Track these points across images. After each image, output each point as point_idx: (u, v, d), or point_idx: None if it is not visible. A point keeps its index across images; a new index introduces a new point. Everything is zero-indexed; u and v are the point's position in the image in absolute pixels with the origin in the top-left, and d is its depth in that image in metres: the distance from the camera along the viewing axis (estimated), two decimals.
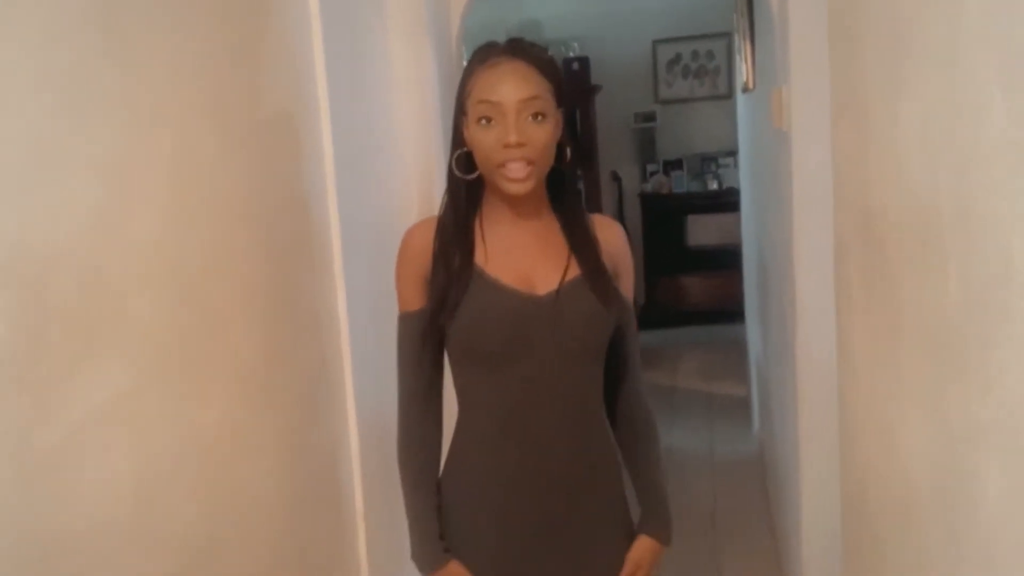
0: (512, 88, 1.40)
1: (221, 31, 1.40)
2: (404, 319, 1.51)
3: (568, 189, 1.54)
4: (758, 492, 3.84)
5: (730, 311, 5.75)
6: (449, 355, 1.53)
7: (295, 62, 1.69)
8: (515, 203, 1.48)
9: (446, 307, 1.45)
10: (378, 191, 2.16)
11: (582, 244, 1.50)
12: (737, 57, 4.20)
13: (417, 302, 1.49)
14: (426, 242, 1.50)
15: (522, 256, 1.48)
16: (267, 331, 1.50)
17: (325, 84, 1.77)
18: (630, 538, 1.60)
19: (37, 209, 0.96)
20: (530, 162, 1.40)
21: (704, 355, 5.88)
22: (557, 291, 1.45)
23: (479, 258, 1.48)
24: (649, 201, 6.77)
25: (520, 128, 1.38)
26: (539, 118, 1.40)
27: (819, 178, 2.28)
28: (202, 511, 1.25)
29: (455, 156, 1.49)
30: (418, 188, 2.41)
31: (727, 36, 6.31)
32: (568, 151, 1.49)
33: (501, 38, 1.51)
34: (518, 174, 1.40)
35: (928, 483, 1.04)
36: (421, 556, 1.54)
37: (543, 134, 1.41)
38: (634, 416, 1.63)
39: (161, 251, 1.19)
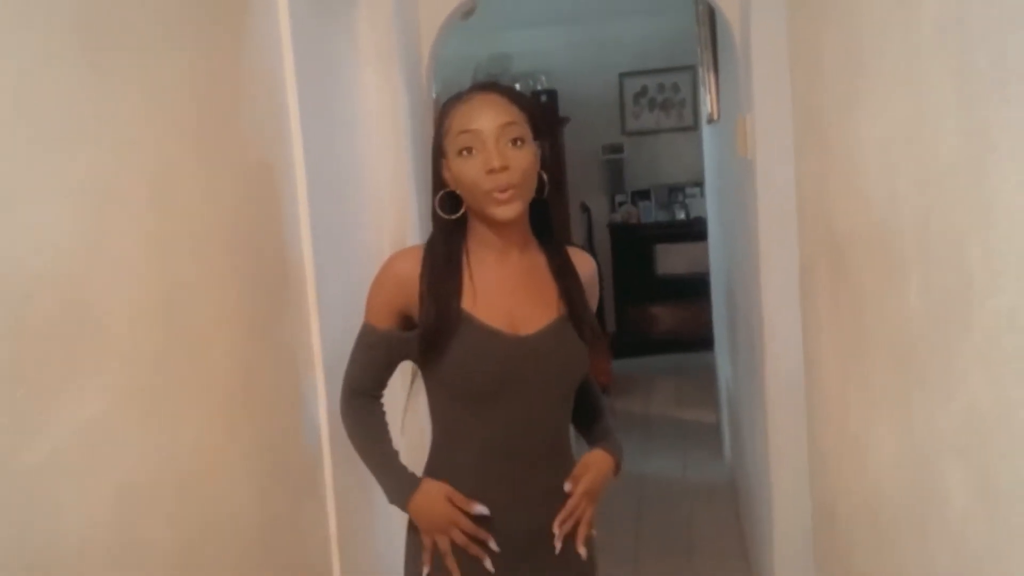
0: (490, 115, 1.42)
1: (198, 58, 1.42)
2: (369, 330, 1.55)
3: (554, 220, 1.56)
4: (731, 516, 3.86)
5: (700, 338, 5.80)
6: (430, 389, 1.55)
7: (269, 92, 1.71)
8: (502, 234, 1.48)
9: (434, 349, 1.47)
10: (350, 221, 2.18)
11: (567, 281, 1.52)
12: (702, 89, 4.28)
13: (385, 322, 1.53)
14: (410, 274, 1.51)
15: (509, 294, 1.49)
16: (245, 356, 1.51)
17: (298, 114, 1.78)
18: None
19: (17, 232, 0.96)
20: (513, 186, 1.40)
21: (675, 383, 5.91)
22: (543, 331, 1.48)
23: (467, 298, 1.48)
24: (618, 231, 6.84)
25: (501, 152, 1.40)
26: (518, 143, 1.42)
27: (783, 203, 2.33)
28: (180, 532, 1.25)
29: (438, 198, 1.50)
30: (390, 219, 2.43)
31: (691, 69, 6.42)
32: (546, 181, 1.50)
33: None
34: (505, 196, 1.40)
35: (896, 491, 1.07)
36: (397, 490, 1.57)
37: (523, 158, 1.42)
38: (589, 407, 1.67)
39: (141, 275, 1.20)
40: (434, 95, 2.94)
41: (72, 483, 1.02)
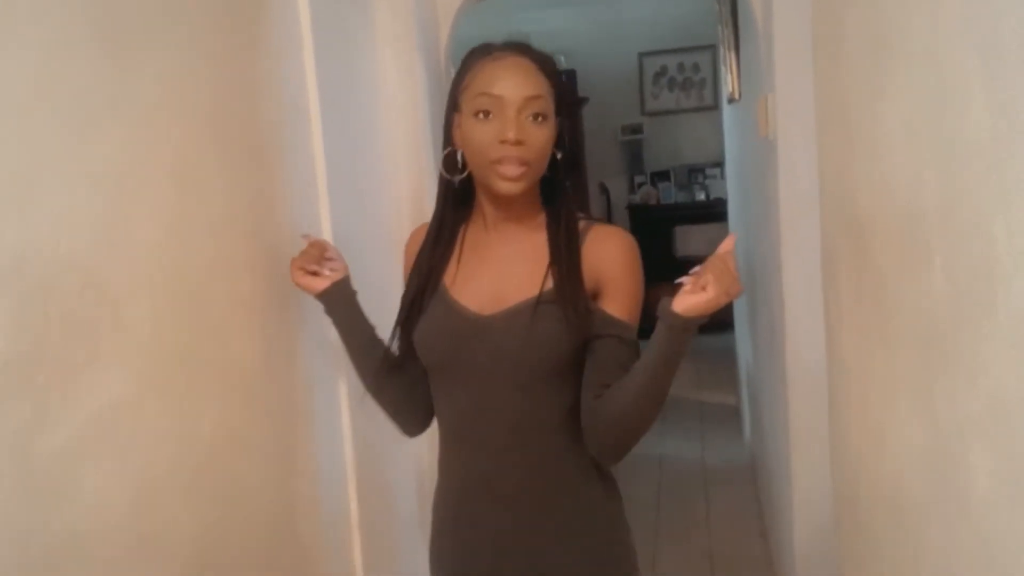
0: (517, 84, 1.34)
1: (216, 43, 1.41)
2: None
3: (561, 198, 1.45)
4: (750, 499, 3.86)
5: (719, 321, 5.74)
6: None
7: (287, 74, 1.70)
8: (501, 207, 1.43)
9: (409, 317, 1.47)
10: (368, 205, 2.18)
11: (559, 262, 1.39)
12: (722, 68, 4.24)
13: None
14: (414, 248, 1.54)
15: (492, 271, 1.44)
16: (265, 341, 1.51)
17: (316, 96, 1.78)
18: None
19: (39, 218, 0.97)
20: (524, 163, 1.34)
21: (694, 365, 5.90)
22: (506, 312, 1.38)
23: (449, 271, 1.46)
24: (637, 212, 6.81)
25: (520, 126, 1.33)
26: (539, 119, 1.35)
27: (805, 185, 2.31)
28: (199, 518, 1.26)
29: (444, 155, 1.45)
30: (408, 201, 2.42)
31: (712, 48, 6.36)
32: (558, 157, 1.42)
33: None
34: (512, 172, 1.34)
35: (920, 478, 1.06)
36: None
37: (541, 136, 1.35)
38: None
39: (162, 260, 1.20)
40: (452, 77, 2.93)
41: (92, 469, 1.03)
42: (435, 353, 1.44)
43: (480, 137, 1.35)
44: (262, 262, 1.52)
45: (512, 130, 1.32)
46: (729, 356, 5.39)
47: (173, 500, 1.19)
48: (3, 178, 0.92)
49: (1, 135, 0.92)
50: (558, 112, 1.39)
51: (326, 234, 1.80)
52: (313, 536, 1.67)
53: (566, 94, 1.44)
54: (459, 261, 1.47)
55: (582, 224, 1.45)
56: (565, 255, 1.39)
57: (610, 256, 1.41)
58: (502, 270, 1.43)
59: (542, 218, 1.46)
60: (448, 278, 1.46)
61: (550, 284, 1.38)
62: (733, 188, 4.79)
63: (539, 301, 1.37)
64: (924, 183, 0.96)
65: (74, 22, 1.05)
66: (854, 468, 1.43)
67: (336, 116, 1.89)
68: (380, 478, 2.07)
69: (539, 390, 1.39)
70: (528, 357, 1.37)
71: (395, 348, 1.51)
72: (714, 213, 6.13)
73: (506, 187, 1.36)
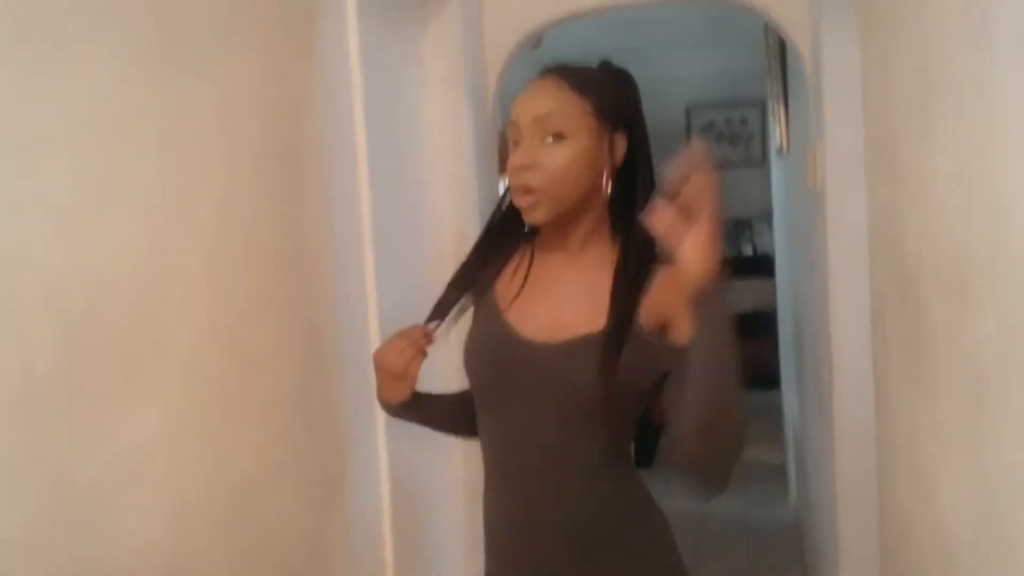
0: (527, 106, 1.27)
1: (266, 78, 1.44)
2: None
3: (629, 224, 1.29)
4: (795, 560, 3.75)
5: (766, 377, 5.68)
6: None
7: (334, 112, 1.73)
8: (554, 232, 1.33)
9: (446, 302, 1.39)
10: (411, 242, 2.19)
11: (619, 294, 1.27)
12: (771, 120, 4.23)
13: None
14: None
15: (560, 295, 1.33)
16: (301, 376, 1.52)
17: (364, 136, 1.80)
18: None
19: (86, 246, 0.99)
20: (529, 190, 1.24)
21: None
22: (562, 344, 1.28)
23: (501, 286, 1.38)
24: None
25: (529, 151, 1.24)
26: (557, 140, 1.24)
27: (854, 236, 2.27)
28: (233, 549, 1.25)
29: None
30: (451, 244, 2.43)
31: (760, 103, 6.36)
32: (609, 183, 1.29)
33: None
34: (520, 202, 1.26)
35: (967, 530, 1.02)
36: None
37: (557, 157, 1.24)
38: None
39: (203, 291, 1.21)
40: (500, 125, 2.96)
41: (126, 500, 1.03)
42: (479, 372, 1.36)
43: (508, 167, 1.29)
44: (301, 295, 1.53)
45: (518, 155, 1.25)
46: (775, 413, 5.29)
47: (207, 531, 1.19)
48: (53, 206, 0.94)
49: (53, 164, 0.94)
50: (614, 125, 1.29)
51: (368, 273, 1.81)
52: (347, 568, 1.66)
53: (620, 103, 1.32)
54: (518, 281, 1.38)
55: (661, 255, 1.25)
56: (628, 289, 1.27)
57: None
58: (566, 299, 1.32)
59: (616, 245, 1.34)
60: (503, 299, 1.38)
61: (600, 322, 1.27)
62: (781, 241, 4.75)
63: (604, 338, 1.25)
64: (973, 230, 0.94)
65: (127, 53, 1.08)
66: (903, 523, 1.38)
67: (381, 152, 1.91)
68: (416, 507, 2.05)
69: (586, 428, 1.29)
70: (575, 394, 1.26)
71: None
72: (761, 267, 6.07)
73: (528, 217, 1.28)
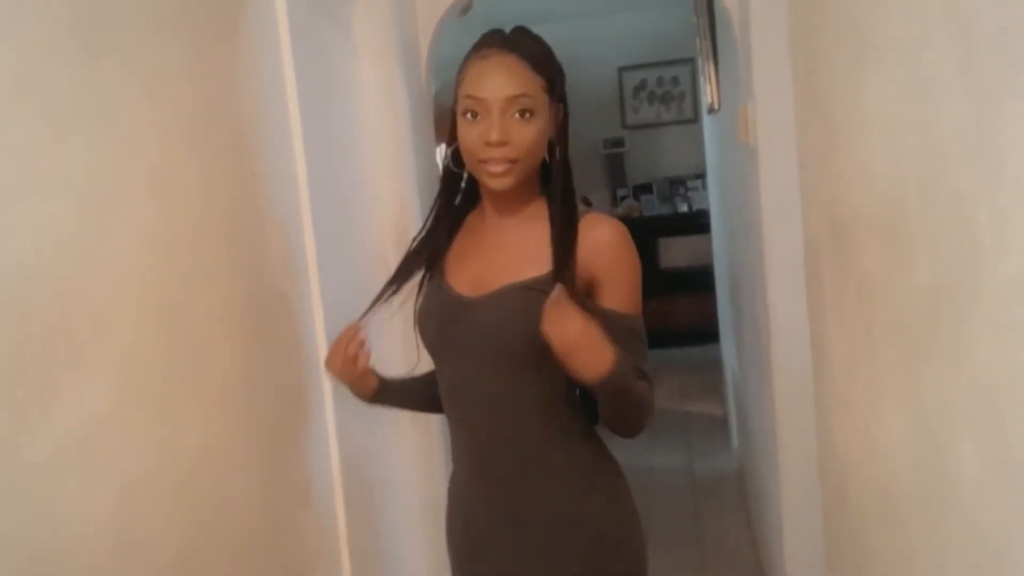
0: (499, 84, 1.35)
1: (196, 52, 1.41)
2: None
3: (560, 187, 1.43)
4: (739, 507, 3.85)
5: (705, 332, 5.79)
6: None
7: (267, 84, 1.70)
8: (500, 197, 1.44)
9: (396, 281, 1.50)
10: (352, 217, 2.17)
11: (556, 248, 1.38)
12: (701, 79, 4.27)
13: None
14: None
15: (485, 257, 1.45)
16: (246, 352, 1.50)
17: (297, 106, 1.78)
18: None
19: (16, 228, 0.96)
20: (509, 160, 1.36)
21: (681, 376, 5.90)
22: (492, 294, 1.39)
23: (449, 258, 1.50)
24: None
25: (503, 127, 1.34)
26: (526, 115, 1.36)
27: (786, 190, 2.32)
28: (182, 529, 1.24)
29: (450, 150, 1.45)
30: (390, 210, 2.42)
31: (690, 62, 6.41)
32: (555, 147, 1.43)
33: None
34: (497, 169, 1.36)
35: (907, 471, 1.06)
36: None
37: (528, 133, 1.36)
38: None
39: (142, 270, 1.19)
40: (433, 91, 2.94)
41: (73, 482, 1.02)
42: (427, 334, 1.48)
43: (468, 138, 1.37)
44: (243, 271, 1.51)
45: (495, 132, 1.34)
46: (715, 367, 5.40)
47: (156, 510, 1.18)
48: None
49: None
50: (554, 98, 1.42)
51: (309, 243, 1.79)
52: (300, 545, 1.66)
53: (561, 76, 1.44)
54: (460, 243, 1.50)
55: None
56: (560, 241, 1.39)
57: (597, 246, 1.40)
58: (496, 256, 1.44)
59: (542, 205, 1.46)
60: (448, 265, 1.49)
61: (544, 271, 1.38)
62: (715, 198, 4.82)
63: (528, 286, 1.37)
64: (905, 173, 0.96)
65: (53, 28, 1.04)
66: (842, 469, 1.43)
67: (317, 125, 1.89)
68: (369, 485, 2.05)
69: (523, 373, 1.39)
70: (514, 338, 1.36)
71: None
72: (697, 224, 6.15)
73: (495, 183, 1.38)
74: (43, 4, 1.03)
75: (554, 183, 1.43)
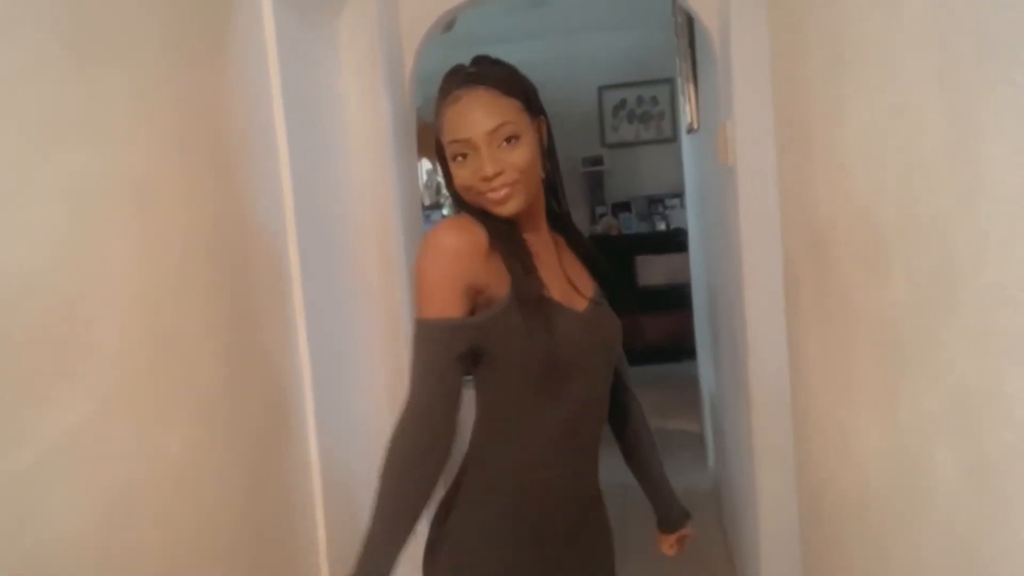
0: (477, 121, 1.36)
1: (183, 65, 1.42)
2: (439, 325, 1.29)
3: (560, 201, 1.55)
4: (715, 523, 3.87)
5: (682, 349, 5.83)
6: (497, 380, 1.38)
7: (253, 97, 1.71)
8: (521, 217, 1.42)
9: (528, 319, 1.34)
10: (335, 228, 2.18)
11: (592, 256, 1.55)
12: (681, 99, 4.32)
13: (458, 309, 1.30)
14: (479, 243, 1.33)
15: (554, 270, 1.46)
16: (230, 361, 1.50)
17: (283, 121, 1.79)
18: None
19: (6, 236, 0.96)
20: (508, 184, 1.36)
21: (658, 393, 5.92)
22: (590, 307, 1.46)
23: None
24: (599, 243, 6.85)
25: (494, 158, 1.35)
26: (512, 141, 1.36)
27: (765, 208, 2.35)
28: (165, 535, 1.24)
29: (453, 193, 1.44)
30: (373, 226, 2.43)
31: (669, 81, 6.48)
32: (548, 164, 1.47)
33: None
34: (500, 196, 1.36)
35: (884, 481, 1.08)
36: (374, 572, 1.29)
37: (519, 155, 1.37)
38: (637, 418, 1.78)
39: (129, 278, 1.19)
40: (416, 107, 2.95)
41: (61, 487, 1.02)
42: (570, 354, 1.38)
43: (464, 178, 1.38)
44: (228, 282, 1.52)
45: (488, 165, 1.35)
46: (692, 384, 5.43)
47: (142, 517, 1.18)
48: None
49: None
50: (534, 114, 1.43)
51: (293, 253, 1.80)
52: (279, 558, 1.65)
53: (533, 92, 1.48)
54: (551, 269, 1.48)
55: None
56: (591, 251, 1.55)
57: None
58: (559, 270, 1.49)
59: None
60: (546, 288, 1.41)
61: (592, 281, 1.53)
62: (693, 217, 4.86)
63: (597, 301, 1.49)
64: (883, 190, 0.99)
65: (43, 39, 1.05)
66: (819, 481, 1.45)
67: (302, 140, 1.90)
68: (350, 494, 2.05)
69: (609, 379, 1.51)
70: (618, 343, 1.52)
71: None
72: (675, 243, 6.20)
73: (502, 209, 1.38)
74: (34, 19, 1.04)
75: (562, 204, 1.55)
